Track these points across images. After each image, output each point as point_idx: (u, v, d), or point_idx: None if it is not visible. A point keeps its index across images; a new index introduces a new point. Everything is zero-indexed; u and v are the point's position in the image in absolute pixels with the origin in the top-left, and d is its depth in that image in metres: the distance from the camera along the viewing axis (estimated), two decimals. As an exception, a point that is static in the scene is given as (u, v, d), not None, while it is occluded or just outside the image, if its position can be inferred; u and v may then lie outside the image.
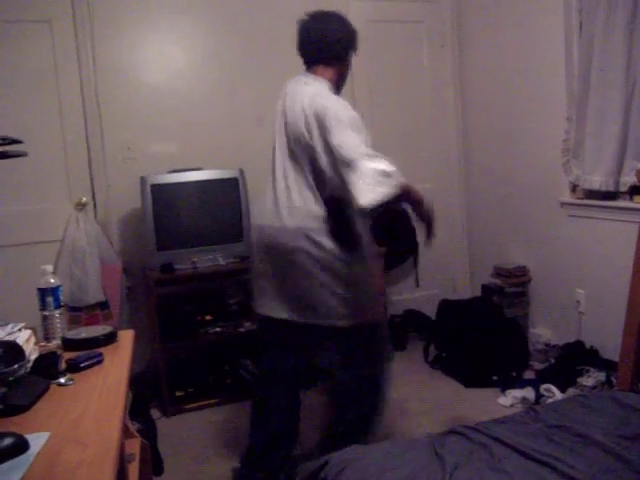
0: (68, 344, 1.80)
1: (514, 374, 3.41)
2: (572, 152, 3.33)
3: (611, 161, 3.07)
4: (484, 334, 3.47)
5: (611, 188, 3.11)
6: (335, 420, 2.48)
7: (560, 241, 3.53)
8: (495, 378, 3.37)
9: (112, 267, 3.43)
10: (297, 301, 2.31)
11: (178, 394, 3.40)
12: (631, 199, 3.03)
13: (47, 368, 1.55)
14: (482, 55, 4.07)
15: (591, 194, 3.26)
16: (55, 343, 1.83)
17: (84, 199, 3.47)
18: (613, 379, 2.88)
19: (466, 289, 4.35)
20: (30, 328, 1.74)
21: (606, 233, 3.19)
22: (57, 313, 1.86)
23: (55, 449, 1.17)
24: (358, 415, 2.39)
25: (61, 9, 3.40)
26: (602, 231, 3.22)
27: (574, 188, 3.39)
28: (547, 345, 3.56)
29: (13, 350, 1.49)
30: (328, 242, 2.24)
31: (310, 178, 2.26)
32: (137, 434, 2.04)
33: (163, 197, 3.36)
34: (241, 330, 3.51)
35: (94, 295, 3.34)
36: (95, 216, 3.52)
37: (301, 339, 2.41)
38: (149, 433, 2.65)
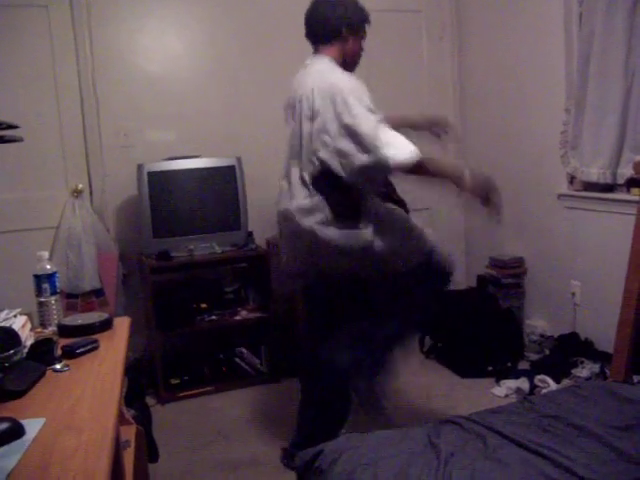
0: (64, 330, 1.80)
1: (509, 365, 3.43)
2: (570, 144, 3.33)
3: (609, 153, 3.06)
4: (479, 325, 3.48)
5: (608, 180, 3.11)
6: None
7: (556, 233, 3.53)
8: (490, 368, 3.38)
9: (108, 254, 3.43)
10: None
11: (173, 382, 3.41)
12: (628, 191, 3.03)
13: (43, 354, 1.55)
14: (481, 46, 4.05)
15: (588, 186, 3.25)
16: (51, 329, 1.82)
17: (80, 186, 3.45)
18: (607, 370, 2.90)
19: (462, 280, 4.35)
20: (26, 314, 1.74)
21: (603, 225, 3.20)
22: (53, 300, 1.85)
23: (51, 435, 1.17)
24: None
25: (58, -6, 3.37)
26: (599, 223, 3.22)
27: (572, 180, 3.39)
28: (542, 336, 3.58)
29: (8, 336, 1.49)
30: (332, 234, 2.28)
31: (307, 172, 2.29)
32: (132, 421, 2.05)
33: (160, 184, 3.35)
34: (237, 318, 3.52)
35: (90, 282, 3.34)
36: (91, 203, 3.50)
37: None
38: (144, 420, 2.66)
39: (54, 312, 1.86)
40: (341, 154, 2.17)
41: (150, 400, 3.25)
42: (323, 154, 2.22)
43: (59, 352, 1.61)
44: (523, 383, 3.12)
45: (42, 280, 1.83)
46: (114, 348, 1.69)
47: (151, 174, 3.32)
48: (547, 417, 1.92)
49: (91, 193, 3.53)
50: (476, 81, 4.15)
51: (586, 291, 3.34)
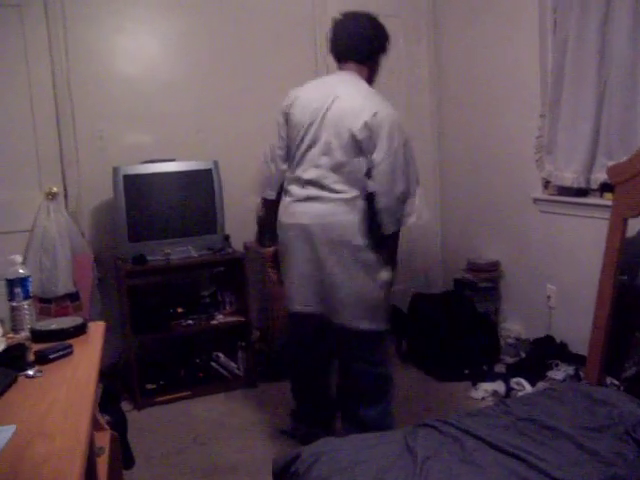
0: (37, 335, 1.77)
1: (485, 368, 3.45)
2: (545, 149, 3.37)
3: (583, 158, 3.10)
4: (456, 328, 3.49)
5: (582, 185, 3.15)
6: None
7: (532, 237, 3.57)
8: (467, 372, 3.40)
9: (83, 258, 3.38)
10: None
11: (149, 387, 3.37)
12: (601, 196, 3.07)
13: (14, 360, 1.53)
14: (458, 52, 4.08)
15: (563, 190, 3.29)
16: (24, 335, 1.79)
17: (55, 189, 3.40)
18: (581, 373, 2.93)
19: (439, 283, 4.38)
20: (-3, 319, 1.71)
21: (577, 229, 3.24)
22: (26, 304, 1.82)
23: (22, 442, 1.15)
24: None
25: (31, -6, 3.33)
26: (573, 227, 3.26)
27: (546, 184, 3.43)
28: (518, 339, 3.61)
29: (-21, 341, 1.46)
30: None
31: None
32: (107, 427, 2.02)
33: (136, 188, 3.32)
34: (214, 322, 3.49)
35: (64, 286, 3.29)
36: (66, 206, 3.45)
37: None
38: (119, 426, 2.62)
39: (27, 317, 1.83)
40: (396, 208, 2.36)
41: (126, 405, 3.22)
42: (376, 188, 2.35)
43: (32, 357, 1.58)
44: (499, 386, 3.14)
45: (15, 284, 1.80)
46: (89, 353, 1.67)
47: (127, 177, 3.29)
48: (522, 420, 1.93)
49: (66, 196, 3.48)
50: (453, 86, 4.19)
51: (561, 294, 3.38)
